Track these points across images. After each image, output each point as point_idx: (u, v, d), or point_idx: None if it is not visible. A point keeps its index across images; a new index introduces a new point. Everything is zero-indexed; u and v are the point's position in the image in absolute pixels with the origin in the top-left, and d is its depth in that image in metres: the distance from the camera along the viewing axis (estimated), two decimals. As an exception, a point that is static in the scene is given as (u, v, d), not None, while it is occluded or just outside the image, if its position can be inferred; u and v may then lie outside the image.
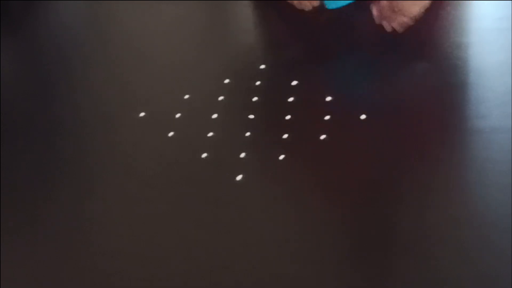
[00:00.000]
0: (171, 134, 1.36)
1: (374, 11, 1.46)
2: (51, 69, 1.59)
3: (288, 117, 1.34)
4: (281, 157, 1.27)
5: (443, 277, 1.05)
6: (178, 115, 1.39)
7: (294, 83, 1.42)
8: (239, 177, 1.24)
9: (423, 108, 1.33)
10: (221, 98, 1.41)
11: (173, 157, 1.33)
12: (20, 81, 1.58)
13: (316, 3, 1.48)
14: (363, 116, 1.31)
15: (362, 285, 1.06)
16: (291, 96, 1.38)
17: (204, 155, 1.30)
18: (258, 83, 1.43)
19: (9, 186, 1.32)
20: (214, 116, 1.37)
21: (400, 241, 1.11)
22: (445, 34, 1.49)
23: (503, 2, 1.53)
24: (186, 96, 1.42)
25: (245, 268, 1.12)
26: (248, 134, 1.33)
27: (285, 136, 1.31)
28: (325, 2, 1.47)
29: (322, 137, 1.29)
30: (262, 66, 1.47)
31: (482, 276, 1.05)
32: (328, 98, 1.37)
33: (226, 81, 1.44)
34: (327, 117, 1.33)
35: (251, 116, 1.36)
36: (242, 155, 1.29)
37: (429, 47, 1.46)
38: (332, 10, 1.48)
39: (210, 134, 1.34)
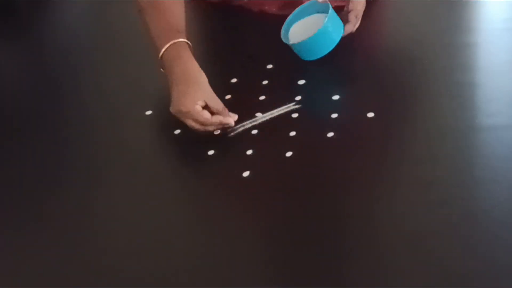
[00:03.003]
0: (177, 131, 1.35)
1: None
2: (59, 68, 1.60)
3: (295, 115, 1.34)
4: (288, 154, 1.26)
5: (450, 273, 1.04)
6: (185, 113, 1.38)
7: (301, 82, 1.42)
8: (246, 174, 1.24)
9: (432, 106, 1.33)
10: (228, 97, 1.41)
11: (180, 155, 1.33)
12: (29, 80, 1.59)
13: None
14: (370, 114, 1.31)
15: (368, 280, 1.06)
16: (298, 95, 1.38)
17: (211, 152, 1.30)
18: (265, 82, 1.43)
19: (16, 183, 1.32)
20: (221, 114, 1.37)
21: (405, 236, 1.11)
22: (454, 34, 1.49)
23: (511, 2, 1.54)
24: (193, 95, 1.42)
25: (252, 263, 1.12)
26: (255, 131, 1.32)
27: (293, 133, 1.30)
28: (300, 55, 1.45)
29: (330, 134, 1.29)
30: (269, 66, 1.47)
31: (490, 272, 1.04)
32: (335, 97, 1.37)
33: (234, 80, 1.44)
34: (334, 115, 1.33)
35: (258, 114, 1.35)
36: (249, 152, 1.28)
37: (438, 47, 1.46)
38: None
39: (217, 131, 1.33)
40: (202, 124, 1.31)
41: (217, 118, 1.32)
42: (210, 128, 1.32)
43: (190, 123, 1.32)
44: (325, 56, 1.43)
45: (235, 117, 1.33)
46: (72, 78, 1.55)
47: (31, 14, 1.80)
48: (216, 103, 1.32)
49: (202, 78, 1.34)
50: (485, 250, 1.07)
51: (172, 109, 1.33)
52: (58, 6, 1.81)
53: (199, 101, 1.31)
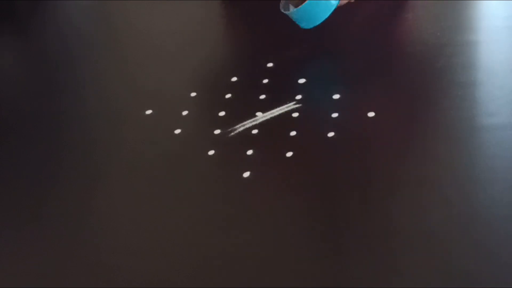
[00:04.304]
0: (178, 131, 1.35)
1: None
2: (58, 67, 1.60)
3: (295, 114, 1.34)
4: (289, 154, 1.26)
5: (453, 273, 1.04)
6: (185, 113, 1.38)
7: (302, 81, 1.41)
8: (246, 174, 1.24)
9: (432, 105, 1.33)
10: (228, 96, 1.41)
11: (180, 154, 1.33)
12: (28, 79, 1.59)
13: None
14: (371, 114, 1.30)
15: (369, 280, 1.05)
16: (298, 94, 1.38)
17: (211, 152, 1.29)
18: (265, 81, 1.43)
19: (15, 183, 1.32)
20: (221, 113, 1.37)
21: (407, 238, 1.10)
22: (454, 33, 1.49)
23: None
24: (193, 94, 1.42)
25: (252, 264, 1.12)
26: (255, 131, 1.32)
27: (293, 133, 1.30)
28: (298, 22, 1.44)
29: (330, 134, 1.28)
30: (270, 65, 1.47)
31: (493, 272, 1.04)
32: (336, 96, 1.36)
33: (234, 79, 1.43)
34: (335, 115, 1.32)
35: (259, 114, 1.35)
36: (249, 152, 1.28)
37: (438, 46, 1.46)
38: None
39: (217, 131, 1.33)
40: None
41: None
42: None
43: None
44: (325, 55, 1.42)
45: None
46: (71, 78, 1.56)
47: (30, 14, 1.80)
48: None
49: None
50: (487, 250, 1.06)
51: None
52: (58, 6, 1.81)
53: None
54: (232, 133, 1.32)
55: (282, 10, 1.45)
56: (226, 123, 1.34)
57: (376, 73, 1.42)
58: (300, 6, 1.41)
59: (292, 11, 1.43)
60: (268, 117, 1.34)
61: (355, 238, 1.12)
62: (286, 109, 1.35)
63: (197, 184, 1.27)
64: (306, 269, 1.09)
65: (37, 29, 1.75)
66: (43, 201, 1.27)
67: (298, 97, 1.37)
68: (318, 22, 1.42)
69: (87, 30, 1.73)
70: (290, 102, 1.36)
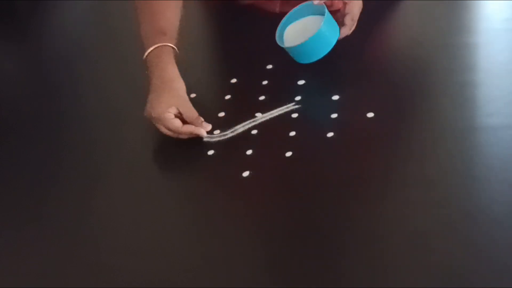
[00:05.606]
0: (177, 131, 1.35)
1: None
2: (58, 68, 1.60)
3: (295, 115, 1.34)
4: (288, 154, 1.26)
5: (447, 272, 1.04)
6: (184, 113, 1.38)
7: (301, 82, 1.42)
8: (245, 174, 1.24)
9: (431, 106, 1.33)
10: (228, 97, 1.41)
11: (180, 155, 1.33)
12: (27, 80, 1.59)
13: None
14: (370, 114, 1.31)
15: (368, 280, 1.06)
16: (298, 95, 1.38)
17: (211, 152, 1.30)
18: (265, 82, 1.43)
19: (15, 183, 1.32)
20: (221, 114, 1.37)
21: (404, 236, 1.11)
22: (453, 35, 1.50)
23: (510, 3, 1.54)
24: (193, 95, 1.41)
25: (252, 263, 1.12)
26: (254, 132, 1.32)
27: (292, 133, 1.30)
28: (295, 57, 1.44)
29: (330, 134, 1.29)
30: (269, 66, 1.47)
31: (490, 272, 1.04)
32: (335, 97, 1.37)
33: (233, 80, 1.44)
34: (334, 115, 1.33)
35: (258, 115, 1.35)
36: (249, 152, 1.28)
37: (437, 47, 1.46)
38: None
39: (217, 131, 1.33)
40: (173, 131, 1.31)
41: (187, 128, 1.30)
42: (182, 136, 1.31)
43: (161, 129, 1.31)
44: (322, 57, 1.42)
45: (208, 127, 1.32)
46: (71, 78, 1.56)
47: (30, 14, 1.80)
48: (190, 111, 1.31)
49: (178, 85, 1.33)
50: (485, 250, 1.07)
51: (144, 113, 1.32)
52: (58, 6, 1.82)
53: (171, 108, 1.30)
54: (232, 134, 1.33)
55: (278, 43, 1.43)
56: (226, 124, 1.35)
57: (375, 74, 1.42)
58: (298, 44, 1.40)
59: (290, 47, 1.41)
60: (268, 117, 1.35)
61: (354, 237, 1.12)
62: (285, 110, 1.35)
63: (197, 184, 1.27)
64: (305, 268, 1.09)
65: (37, 29, 1.75)
66: (43, 201, 1.27)
67: (298, 98, 1.37)
68: (315, 59, 1.42)
69: (87, 30, 1.73)
70: (289, 103, 1.37)
